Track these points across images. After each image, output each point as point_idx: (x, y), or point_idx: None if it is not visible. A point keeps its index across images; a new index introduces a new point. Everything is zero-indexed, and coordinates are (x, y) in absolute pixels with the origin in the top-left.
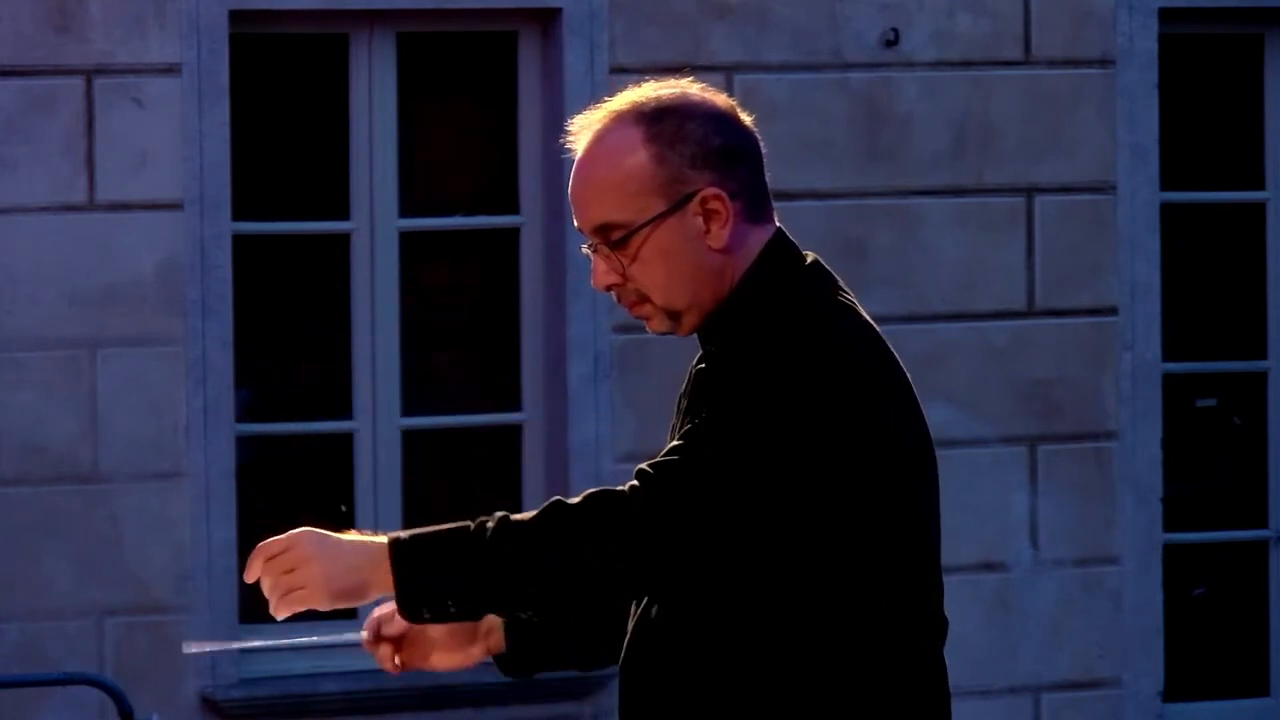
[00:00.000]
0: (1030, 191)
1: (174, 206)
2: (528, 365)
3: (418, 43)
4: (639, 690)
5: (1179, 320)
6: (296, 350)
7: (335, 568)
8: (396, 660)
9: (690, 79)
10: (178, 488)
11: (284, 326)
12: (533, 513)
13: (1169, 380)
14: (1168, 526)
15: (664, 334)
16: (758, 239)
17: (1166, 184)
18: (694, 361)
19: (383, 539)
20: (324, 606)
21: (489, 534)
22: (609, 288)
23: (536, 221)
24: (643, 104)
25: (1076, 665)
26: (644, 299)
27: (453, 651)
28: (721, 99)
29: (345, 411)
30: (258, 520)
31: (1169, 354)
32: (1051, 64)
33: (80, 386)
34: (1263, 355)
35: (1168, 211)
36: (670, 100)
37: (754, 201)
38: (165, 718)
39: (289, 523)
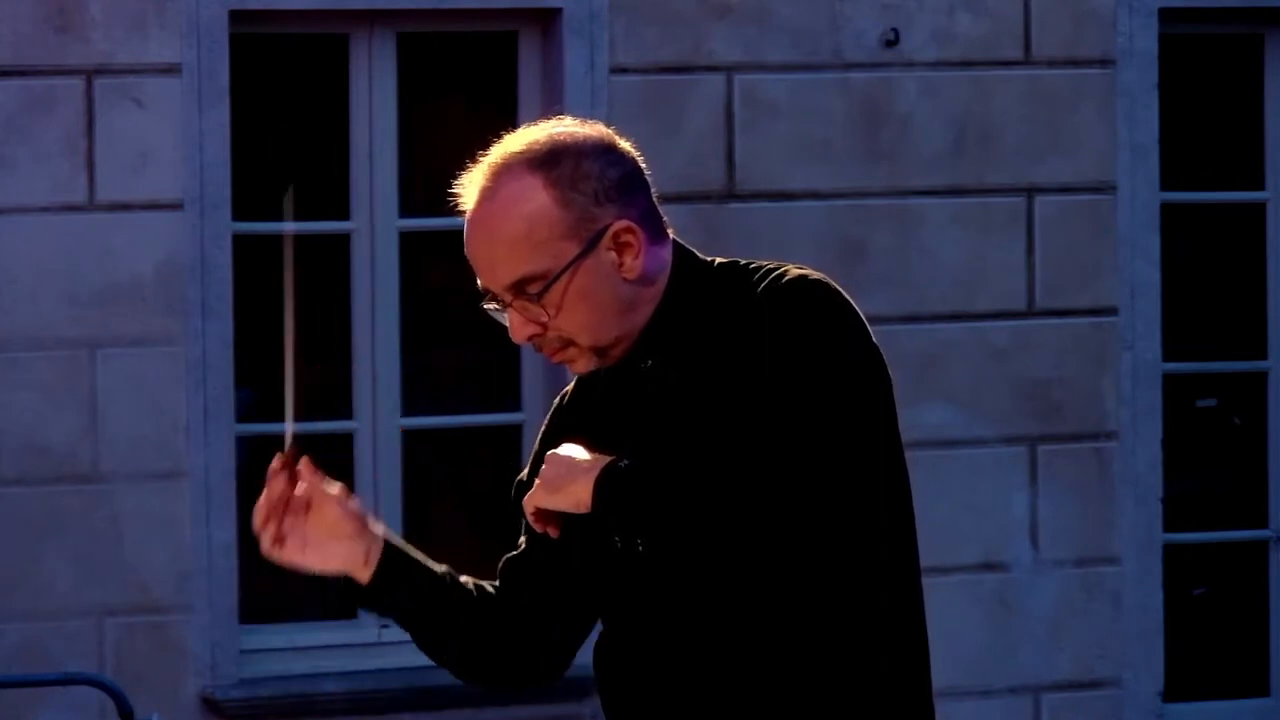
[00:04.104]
0: (1030, 191)
1: (174, 207)
2: (528, 365)
3: (418, 43)
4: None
5: (1179, 320)
6: (297, 350)
7: (554, 471)
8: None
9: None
10: (178, 488)
11: (284, 327)
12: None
13: (1169, 380)
14: (1168, 526)
15: (589, 371)
16: (663, 258)
17: (1166, 184)
18: (573, 387)
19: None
20: (540, 500)
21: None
22: (530, 338)
23: None
24: (531, 150)
25: (1076, 665)
26: (567, 343)
27: (333, 540)
28: (601, 129)
29: (345, 411)
30: None
31: (1169, 354)
32: (1051, 64)
33: (80, 386)
34: (1263, 355)
35: (1168, 211)
36: (560, 141)
37: (653, 224)
38: (165, 718)
39: None
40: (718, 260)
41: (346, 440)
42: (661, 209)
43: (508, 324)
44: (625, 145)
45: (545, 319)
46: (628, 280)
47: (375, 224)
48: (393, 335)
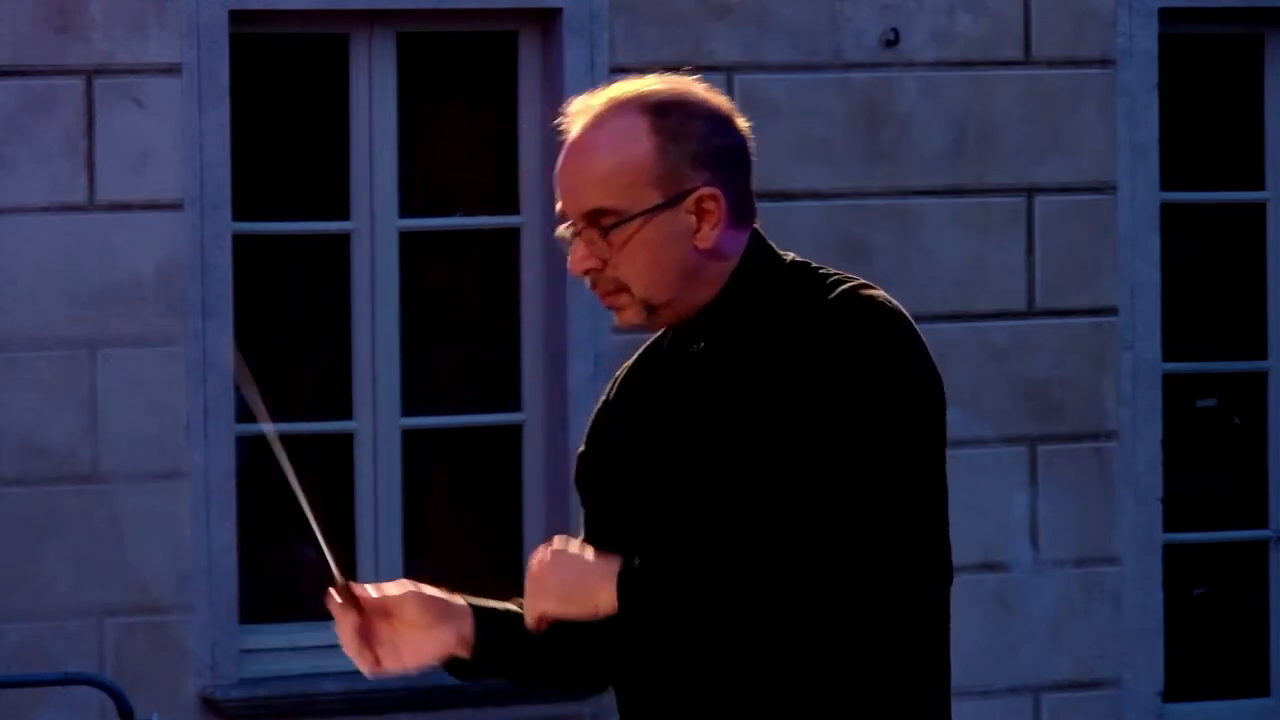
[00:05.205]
0: (1030, 191)
1: (174, 207)
2: (528, 365)
3: (418, 43)
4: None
5: (1179, 320)
6: (296, 350)
7: (563, 578)
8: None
9: (695, 76)
10: (178, 488)
11: (284, 326)
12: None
13: (1169, 380)
14: (1168, 526)
15: (634, 326)
16: (739, 242)
17: (1166, 184)
18: (635, 360)
19: (616, 560)
20: (553, 609)
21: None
22: (587, 273)
23: (536, 221)
24: (649, 95)
25: (1076, 665)
26: (621, 288)
27: (423, 633)
28: (723, 100)
29: (345, 411)
30: (258, 520)
31: (1169, 354)
32: (1051, 64)
33: (80, 386)
34: (1263, 355)
35: (1168, 211)
36: (677, 95)
37: (741, 206)
38: (165, 718)
39: (289, 523)
40: (791, 257)
41: (346, 440)
42: None
43: (570, 254)
44: (741, 122)
45: (606, 256)
46: (698, 249)
47: (375, 224)
48: (393, 335)
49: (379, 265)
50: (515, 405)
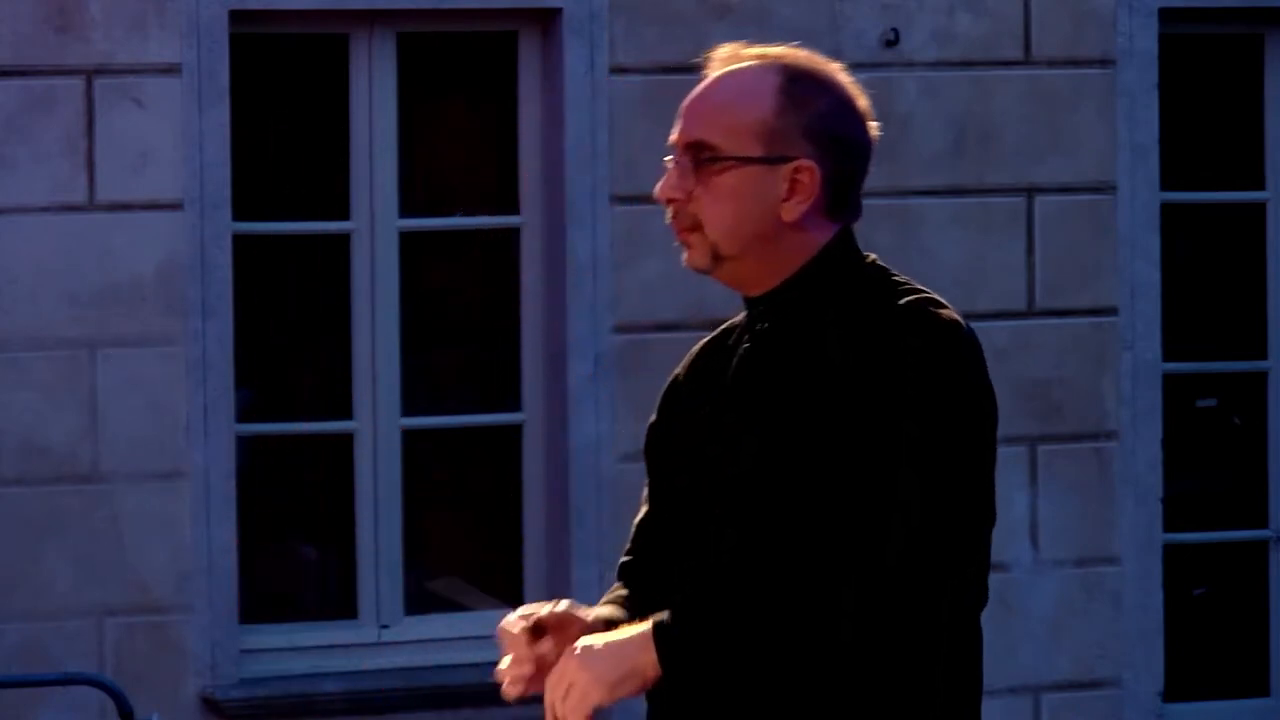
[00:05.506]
0: (1030, 191)
1: (174, 206)
2: (528, 365)
3: (418, 43)
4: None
5: (1179, 320)
6: (296, 350)
7: (603, 665)
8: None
9: (842, 66)
10: (178, 488)
11: (284, 326)
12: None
13: (1169, 380)
14: (1168, 526)
15: (696, 269)
16: (827, 231)
17: (1166, 184)
18: (709, 339)
19: (646, 625)
20: (606, 702)
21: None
22: (670, 201)
23: (536, 221)
24: (792, 60)
25: (1076, 665)
26: (696, 227)
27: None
28: (863, 99)
29: (345, 411)
30: (258, 520)
31: (1169, 354)
32: (1051, 64)
33: (80, 386)
34: (1263, 355)
35: (1168, 211)
36: (816, 70)
37: (839, 197)
38: (165, 718)
39: (289, 523)
40: (872, 258)
41: (346, 440)
42: (661, 209)
43: (661, 180)
44: (872, 125)
45: (691, 189)
46: (781, 219)
47: (375, 224)
48: (393, 335)
49: (379, 265)
50: (515, 405)
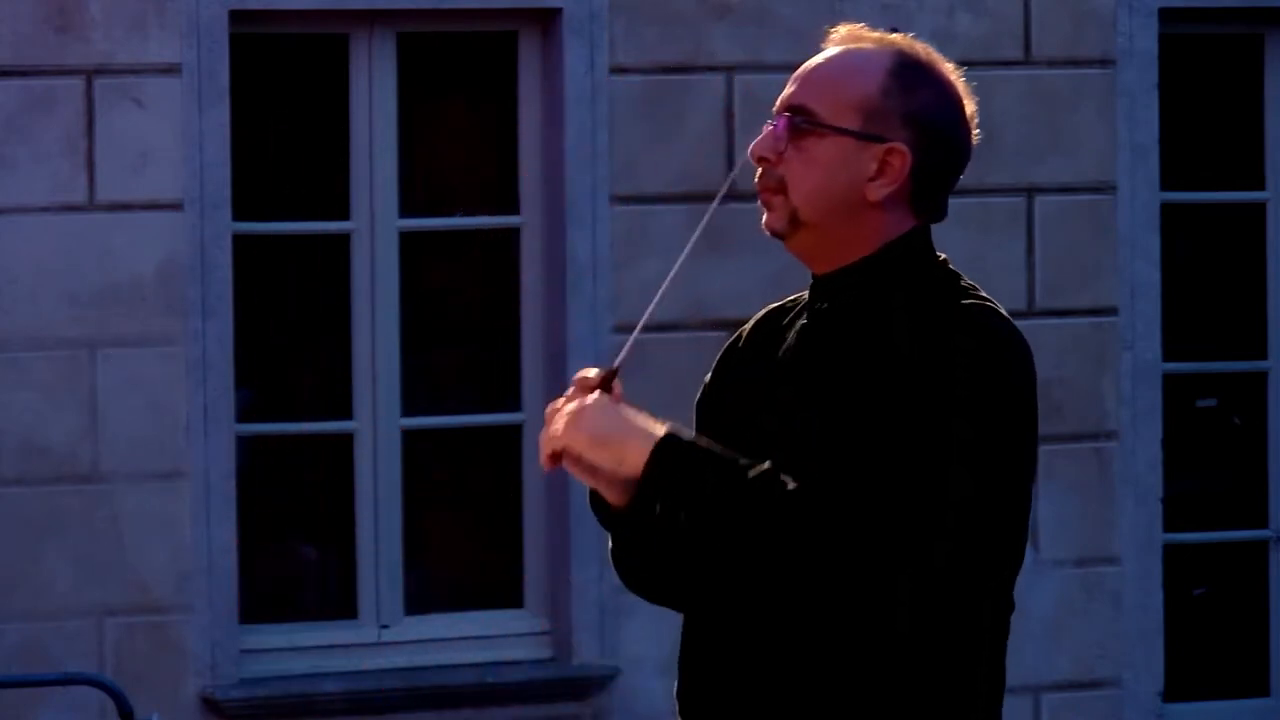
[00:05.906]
0: (1030, 191)
1: (174, 207)
2: (528, 365)
3: (418, 43)
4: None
5: (1179, 320)
6: (296, 350)
7: (597, 422)
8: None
9: (957, 69)
10: (178, 488)
11: (284, 326)
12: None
13: (1169, 380)
14: (1168, 526)
15: (772, 233)
16: (906, 221)
17: (1166, 184)
18: (768, 310)
19: (661, 430)
20: (574, 452)
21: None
22: (760, 160)
23: (536, 221)
24: (909, 48)
25: (1076, 665)
26: (780, 189)
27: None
28: (970, 102)
29: (345, 411)
30: (258, 520)
31: (1169, 354)
32: (1051, 64)
33: (80, 386)
34: (1263, 355)
35: (1168, 211)
36: (929, 63)
37: (926, 190)
38: (165, 718)
39: (289, 523)
40: (943, 258)
41: (346, 440)
42: (661, 209)
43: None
44: (973, 128)
45: (783, 151)
46: (865, 197)
47: (375, 224)
48: (393, 335)
49: (379, 265)
50: (515, 405)
